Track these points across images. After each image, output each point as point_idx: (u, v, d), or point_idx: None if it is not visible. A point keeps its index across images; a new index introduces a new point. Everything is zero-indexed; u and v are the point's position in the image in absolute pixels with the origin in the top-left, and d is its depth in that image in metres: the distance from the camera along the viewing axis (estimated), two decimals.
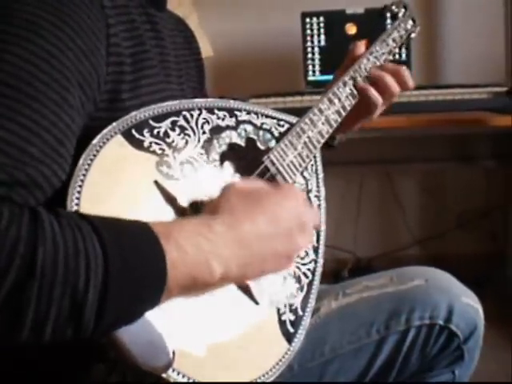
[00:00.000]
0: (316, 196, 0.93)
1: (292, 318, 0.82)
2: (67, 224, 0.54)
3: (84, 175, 0.63)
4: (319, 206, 0.93)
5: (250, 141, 0.84)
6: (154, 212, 0.68)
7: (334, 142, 1.10)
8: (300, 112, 0.94)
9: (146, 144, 0.70)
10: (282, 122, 0.90)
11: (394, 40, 1.11)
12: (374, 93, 1.02)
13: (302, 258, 0.87)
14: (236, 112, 0.84)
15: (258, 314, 0.77)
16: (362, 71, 1.04)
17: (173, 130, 0.74)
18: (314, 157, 0.93)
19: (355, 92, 1.02)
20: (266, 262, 0.68)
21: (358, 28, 2.12)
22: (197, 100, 0.79)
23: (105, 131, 0.67)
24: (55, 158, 0.61)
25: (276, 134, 0.89)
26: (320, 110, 0.96)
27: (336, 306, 1.00)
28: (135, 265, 0.56)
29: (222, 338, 0.71)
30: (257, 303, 0.76)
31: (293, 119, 0.92)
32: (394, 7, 1.19)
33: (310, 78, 2.18)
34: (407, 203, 2.50)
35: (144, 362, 0.61)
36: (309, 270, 0.87)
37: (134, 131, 0.69)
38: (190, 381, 0.65)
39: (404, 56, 2.12)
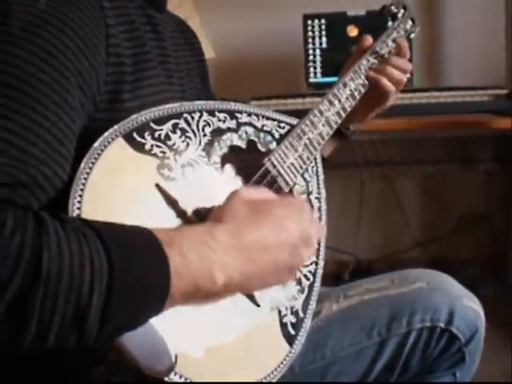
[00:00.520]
0: (317, 198, 0.93)
1: (293, 320, 0.82)
2: (72, 230, 0.54)
3: (85, 178, 0.63)
4: (320, 207, 0.93)
5: (250, 143, 0.84)
6: (155, 215, 0.68)
7: (348, 132, 1.11)
8: (301, 114, 0.95)
9: (147, 147, 0.70)
10: (282, 124, 0.90)
11: (393, 40, 1.11)
12: (386, 82, 1.04)
13: None
14: (237, 114, 0.84)
15: (259, 316, 0.77)
16: (363, 72, 1.04)
17: (174, 132, 0.74)
18: (315, 158, 0.93)
19: (355, 93, 1.02)
20: (269, 273, 0.67)
21: (360, 30, 2.11)
22: (198, 102, 0.79)
23: (106, 134, 0.67)
24: (56, 159, 0.61)
25: (277, 135, 0.89)
26: (320, 112, 0.96)
27: (337, 309, 1.00)
28: (139, 272, 0.56)
29: (224, 341, 0.71)
30: (258, 306, 0.76)
31: (293, 121, 0.92)
32: (393, 7, 1.19)
33: (312, 80, 2.18)
34: (408, 205, 2.50)
35: (146, 366, 0.61)
36: (310, 272, 0.87)
37: (135, 134, 0.69)
38: None
39: None
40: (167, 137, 0.73)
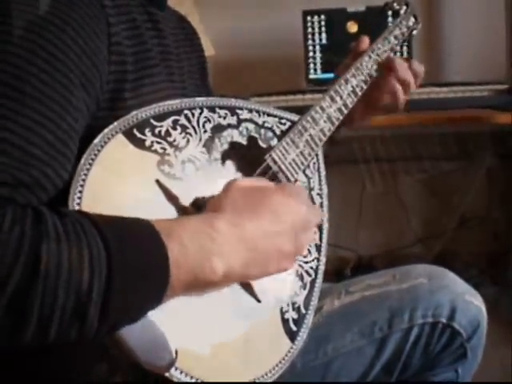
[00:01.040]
0: (318, 194, 0.93)
1: (295, 316, 0.82)
2: (70, 223, 0.54)
3: (86, 174, 0.63)
4: (321, 203, 0.93)
5: (251, 139, 0.84)
6: (155, 211, 0.68)
7: (337, 135, 1.10)
8: (301, 110, 0.94)
9: (147, 143, 0.70)
10: (283, 120, 0.90)
11: (395, 37, 1.11)
12: (396, 85, 1.03)
13: (305, 257, 0.86)
14: (237, 110, 0.83)
15: (260, 312, 0.77)
16: (364, 69, 1.03)
17: (174, 128, 0.73)
18: (316, 155, 0.93)
19: (357, 90, 1.02)
20: (269, 260, 0.67)
21: (360, 26, 2.12)
22: (198, 99, 0.79)
23: (106, 130, 0.67)
24: (58, 159, 0.61)
25: (278, 132, 0.88)
26: (322, 108, 0.96)
27: (339, 305, 1.00)
28: (138, 263, 0.56)
29: (225, 337, 0.71)
30: (259, 301, 0.76)
31: (294, 117, 0.92)
32: (395, 4, 1.19)
33: (312, 77, 2.18)
34: (409, 201, 2.50)
35: (146, 361, 0.61)
36: (311, 268, 0.87)
37: (135, 130, 0.69)
38: (193, 380, 0.65)
39: (405, 54, 2.11)
40: (167, 133, 0.72)
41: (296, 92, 1.90)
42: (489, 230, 2.40)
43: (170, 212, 0.69)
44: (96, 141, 0.65)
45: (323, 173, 0.94)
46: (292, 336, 0.80)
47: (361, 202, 2.48)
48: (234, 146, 0.81)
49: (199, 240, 0.61)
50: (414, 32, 1.19)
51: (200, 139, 0.76)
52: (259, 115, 0.87)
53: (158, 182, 0.69)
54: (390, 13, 1.20)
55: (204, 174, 0.75)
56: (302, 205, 0.72)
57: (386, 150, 2.38)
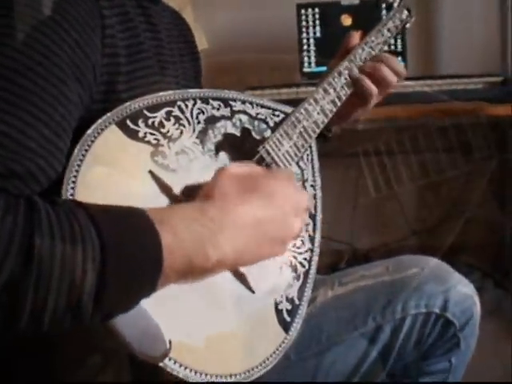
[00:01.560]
0: (312, 185, 0.93)
1: (289, 307, 0.82)
2: (63, 212, 0.55)
3: (79, 165, 0.63)
4: (315, 195, 0.93)
5: (245, 131, 0.84)
6: (149, 202, 0.67)
7: (329, 133, 1.10)
8: (296, 103, 0.94)
9: (140, 134, 0.70)
10: (277, 112, 0.90)
11: (389, 30, 1.11)
12: (368, 83, 1.02)
13: (299, 248, 0.87)
14: (231, 102, 0.84)
15: (254, 303, 0.77)
16: (357, 61, 1.03)
17: (168, 120, 0.74)
18: (310, 146, 0.93)
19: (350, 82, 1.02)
20: (262, 246, 0.68)
21: (354, 19, 2.11)
22: (191, 90, 0.79)
23: (99, 121, 0.67)
24: (52, 151, 0.61)
25: (271, 123, 0.89)
26: (315, 100, 0.96)
27: (332, 295, 1.00)
28: (131, 251, 0.56)
29: (219, 328, 0.72)
30: (253, 292, 0.77)
31: (288, 109, 0.92)
32: None
33: (306, 70, 2.18)
34: (404, 194, 2.50)
35: (140, 351, 0.61)
36: (305, 259, 0.87)
37: (128, 121, 0.69)
38: (187, 370, 0.65)
39: (399, 46, 2.11)
40: (161, 124, 0.73)
41: (290, 85, 1.90)
42: (484, 221, 2.40)
43: (163, 202, 0.69)
44: (89, 131, 0.65)
45: (317, 164, 0.95)
46: (286, 326, 0.81)
47: (355, 195, 2.48)
48: (227, 137, 0.81)
49: (192, 227, 0.61)
50: (408, 25, 1.19)
51: (193, 130, 0.76)
52: (252, 107, 0.87)
53: (151, 172, 0.69)
54: (383, 6, 1.20)
55: (197, 165, 0.75)
56: (292, 189, 0.72)
57: (380, 143, 2.38)
